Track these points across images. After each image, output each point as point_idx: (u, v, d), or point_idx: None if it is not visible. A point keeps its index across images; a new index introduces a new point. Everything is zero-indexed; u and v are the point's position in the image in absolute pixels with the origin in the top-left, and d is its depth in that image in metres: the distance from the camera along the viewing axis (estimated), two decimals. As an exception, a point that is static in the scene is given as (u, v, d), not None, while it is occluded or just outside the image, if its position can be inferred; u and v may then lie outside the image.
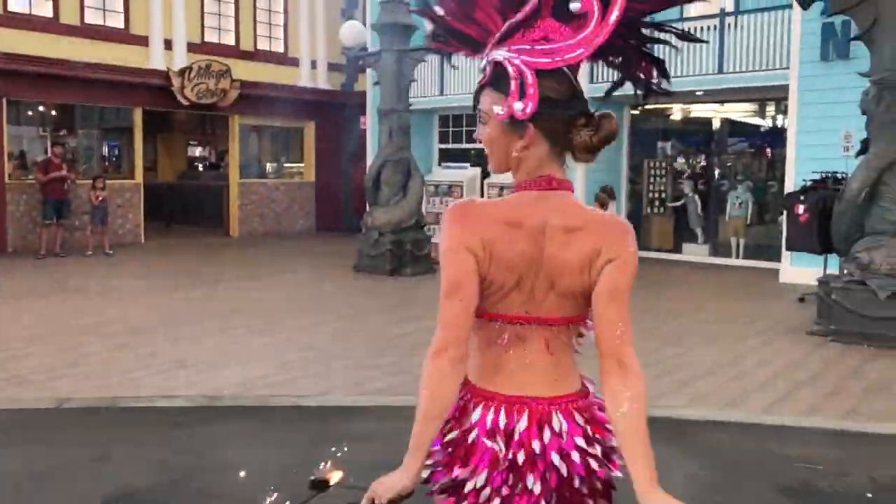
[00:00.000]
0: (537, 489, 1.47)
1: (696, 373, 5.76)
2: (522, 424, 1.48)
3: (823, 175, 8.75)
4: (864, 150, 7.18)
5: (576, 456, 1.48)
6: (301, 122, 16.82)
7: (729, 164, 13.82)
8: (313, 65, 16.84)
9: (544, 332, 1.51)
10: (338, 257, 11.92)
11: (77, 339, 6.51)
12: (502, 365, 1.52)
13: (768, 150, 13.33)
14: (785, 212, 9.24)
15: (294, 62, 16.72)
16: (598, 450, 1.50)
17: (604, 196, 10.10)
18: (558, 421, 1.49)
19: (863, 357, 6.14)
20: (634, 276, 1.47)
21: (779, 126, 12.56)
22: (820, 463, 4.08)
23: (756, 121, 14.19)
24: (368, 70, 13.62)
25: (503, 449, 1.47)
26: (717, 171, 13.50)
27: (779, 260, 10.32)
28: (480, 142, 1.53)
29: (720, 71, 11.23)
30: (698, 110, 13.78)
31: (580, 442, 1.48)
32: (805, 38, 10.17)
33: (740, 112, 14.00)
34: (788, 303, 8.55)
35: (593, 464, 1.49)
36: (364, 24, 14.15)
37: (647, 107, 13.51)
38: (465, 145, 14.99)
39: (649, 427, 1.45)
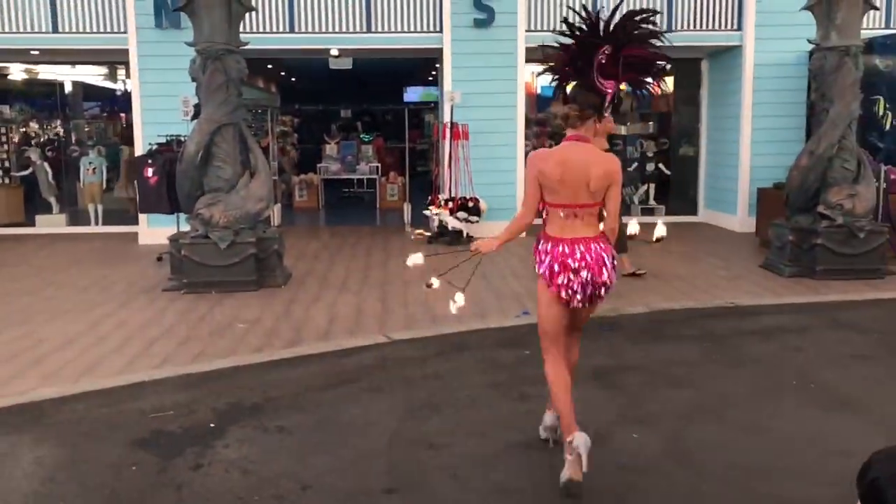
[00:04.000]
0: (584, 274, 3.27)
1: (47, 350, 5.46)
2: (580, 247, 3.29)
3: (168, 138, 9.16)
4: (197, 114, 7.75)
5: (607, 261, 3.31)
6: None
7: (87, 128, 13.32)
8: None
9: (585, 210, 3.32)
10: None
11: None
12: (566, 226, 3.33)
13: (122, 115, 13.27)
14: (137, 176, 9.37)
15: None
16: (610, 262, 3.32)
17: None
18: (595, 245, 3.31)
19: (210, 303, 6.76)
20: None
21: (129, 90, 12.58)
22: (171, 409, 4.35)
23: (109, 84, 13.98)
24: None
25: (571, 260, 3.28)
26: (72, 137, 12.84)
27: (137, 223, 10.47)
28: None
29: (55, 30, 10.56)
30: (47, 72, 12.79)
31: (606, 255, 3.32)
32: (139, 4, 10.32)
33: (94, 75, 13.55)
34: (147, 264, 8.78)
35: (610, 268, 3.32)
36: None
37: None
38: None
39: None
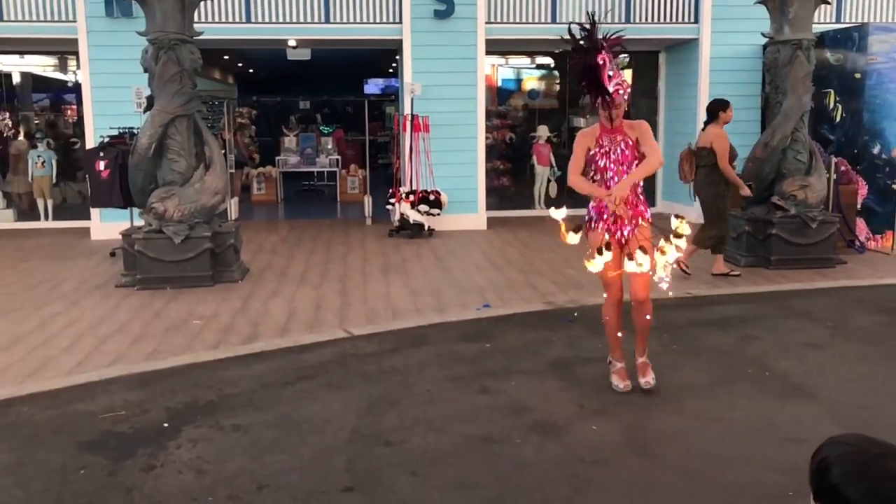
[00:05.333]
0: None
1: (-8, 350, 5.28)
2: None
3: (121, 131, 8.92)
4: (150, 105, 7.55)
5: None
6: None
7: (37, 121, 12.90)
8: None
9: None
10: None
11: None
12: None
13: (74, 107, 12.91)
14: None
15: None
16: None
17: None
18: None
19: (166, 300, 6.60)
20: None
21: (80, 82, 12.25)
22: (123, 409, 4.23)
23: (60, 76, 13.60)
24: None
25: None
26: (21, 129, 12.45)
27: (90, 218, 10.20)
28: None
29: (0, 18, 10.19)
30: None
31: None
32: (88, -7, 10.02)
33: (45, 66, 13.15)
34: (100, 259, 8.55)
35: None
36: None
37: None
38: None
39: None
